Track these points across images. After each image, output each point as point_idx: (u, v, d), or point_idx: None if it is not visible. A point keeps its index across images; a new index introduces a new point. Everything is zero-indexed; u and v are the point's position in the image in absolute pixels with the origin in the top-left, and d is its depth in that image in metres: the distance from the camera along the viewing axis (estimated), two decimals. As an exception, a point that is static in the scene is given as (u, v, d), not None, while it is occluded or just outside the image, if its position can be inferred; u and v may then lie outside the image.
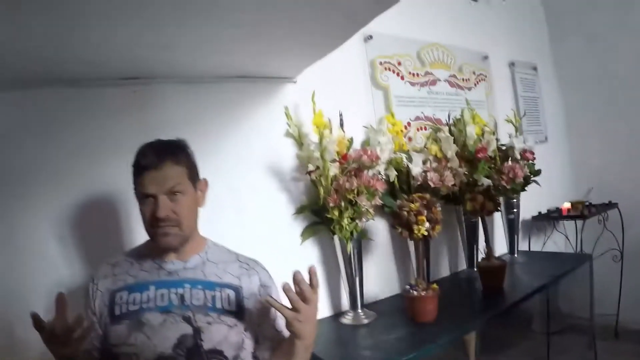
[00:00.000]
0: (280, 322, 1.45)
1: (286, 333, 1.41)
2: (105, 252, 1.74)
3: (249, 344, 1.42)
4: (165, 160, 1.34)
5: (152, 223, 1.34)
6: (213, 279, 1.41)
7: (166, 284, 1.37)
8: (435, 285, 2.09)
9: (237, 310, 1.40)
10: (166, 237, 1.34)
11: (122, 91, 1.86)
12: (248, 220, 2.02)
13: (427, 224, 2.04)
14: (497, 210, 2.63)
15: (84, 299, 1.42)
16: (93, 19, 1.21)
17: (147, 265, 1.42)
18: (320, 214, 2.18)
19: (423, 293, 2.04)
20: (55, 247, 1.72)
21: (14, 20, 1.14)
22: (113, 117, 1.83)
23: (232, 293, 1.41)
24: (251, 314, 1.42)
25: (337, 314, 2.30)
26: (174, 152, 1.38)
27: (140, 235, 1.80)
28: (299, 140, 2.22)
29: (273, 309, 1.41)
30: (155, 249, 1.43)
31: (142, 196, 1.34)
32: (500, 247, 3.25)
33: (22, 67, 1.53)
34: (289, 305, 1.27)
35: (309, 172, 2.08)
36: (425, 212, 2.05)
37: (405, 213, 2.04)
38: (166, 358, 1.26)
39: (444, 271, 2.96)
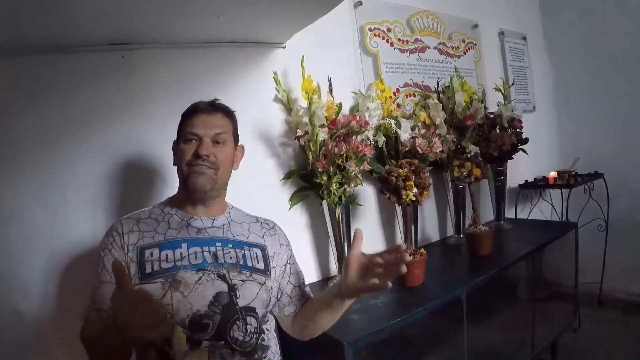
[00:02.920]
0: (297, 277, 1.60)
1: (302, 287, 1.60)
2: (95, 222, 1.79)
3: (273, 301, 1.48)
4: (219, 111, 1.47)
5: (192, 161, 1.38)
6: (240, 238, 1.46)
7: (198, 242, 1.37)
8: (422, 250, 2.11)
9: (265, 269, 1.44)
10: (202, 175, 1.37)
11: (111, 56, 1.84)
12: (236, 186, 2.01)
13: (415, 190, 2.04)
14: (484, 177, 2.65)
15: (100, 256, 1.33)
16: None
17: (174, 223, 1.41)
18: (308, 179, 2.19)
19: (411, 258, 2.06)
20: (42, 216, 1.71)
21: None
22: (102, 82, 1.82)
23: (259, 252, 1.46)
24: (275, 273, 1.48)
25: (326, 279, 2.34)
26: (226, 108, 1.51)
27: (131, 205, 1.81)
28: (288, 106, 2.22)
29: (289, 265, 1.57)
30: (181, 203, 1.46)
31: (188, 136, 1.41)
32: (488, 214, 3.28)
33: (10, 33, 1.51)
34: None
35: (298, 137, 2.08)
36: (413, 177, 2.05)
37: (393, 178, 2.04)
38: (202, 316, 1.25)
39: (433, 237, 3.00)
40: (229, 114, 1.50)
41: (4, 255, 1.65)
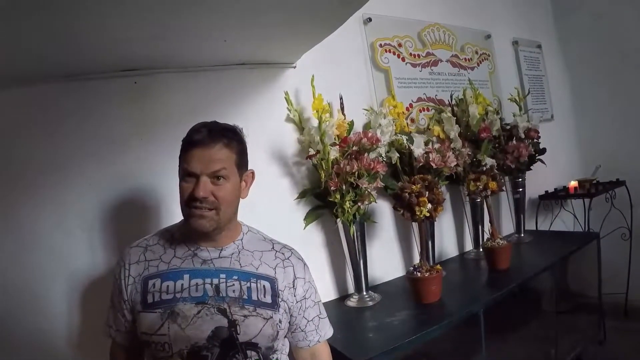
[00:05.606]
0: (314, 311, 1.49)
1: (316, 322, 1.49)
2: (112, 244, 1.83)
3: (281, 334, 1.39)
4: (217, 141, 1.30)
5: (189, 202, 1.29)
6: (249, 269, 1.37)
7: (201, 274, 1.33)
8: (438, 266, 2.09)
9: (272, 302, 1.37)
10: (201, 219, 1.30)
11: (123, 82, 1.89)
12: (251, 207, 2.01)
13: (429, 205, 2.02)
14: (501, 190, 2.61)
15: (112, 282, 1.40)
16: (86, 13, 1.22)
17: (180, 252, 1.37)
18: (322, 197, 2.19)
19: (427, 274, 2.04)
20: (61, 239, 1.75)
21: (15, 20, 1.17)
22: (114, 108, 1.87)
23: (267, 285, 1.38)
24: (285, 306, 1.40)
25: (343, 297, 2.33)
26: (227, 135, 1.34)
27: (146, 227, 1.84)
28: (300, 125, 2.23)
29: (305, 300, 1.46)
30: (189, 233, 1.38)
31: (185, 173, 1.31)
32: (508, 227, 3.25)
33: (25, 64, 1.56)
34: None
35: (310, 156, 2.08)
36: (426, 193, 2.03)
37: (406, 195, 2.03)
38: (200, 347, 1.24)
39: (452, 251, 2.97)
40: (230, 142, 1.33)
41: (25, 277, 1.70)
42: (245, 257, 1.40)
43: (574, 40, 4.17)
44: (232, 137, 1.35)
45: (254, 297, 1.34)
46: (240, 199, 1.43)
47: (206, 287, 1.31)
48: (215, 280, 1.32)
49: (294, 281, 1.44)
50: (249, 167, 1.46)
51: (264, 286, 1.37)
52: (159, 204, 1.91)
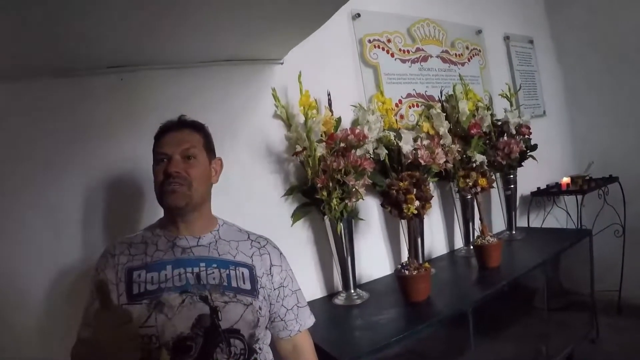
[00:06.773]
0: (292, 299, 1.54)
1: (295, 311, 1.54)
2: (100, 240, 1.81)
3: (262, 322, 1.42)
4: (186, 127, 1.47)
5: (163, 181, 1.38)
6: (227, 257, 1.43)
7: (182, 263, 1.37)
8: (427, 264, 2.07)
9: (252, 289, 1.41)
10: (174, 193, 1.36)
11: (110, 79, 1.88)
12: (238, 204, 2.01)
13: (417, 203, 2.00)
14: (491, 187, 2.59)
15: (92, 279, 1.40)
16: (71, 8, 1.22)
17: (161, 244, 1.42)
18: (309, 194, 2.17)
19: (415, 272, 2.02)
20: (49, 236, 1.74)
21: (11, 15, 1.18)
22: (102, 104, 1.87)
23: (246, 271, 1.43)
24: (264, 293, 1.44)
25: (330, 295, 2.31)
26: (194, 124, 1.51)
27: (132, 222, 1.86)
28: (288, 122, 2.21)
29: (283, 288, 1.52)
30: (167, 224, 1.46)
31: (158, 157, 1.42)
32: (499, 224, 3.23)
33: (10, 59, 1.55)
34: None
35: (296, 153, 2.07)
36: (414, 190, 2.01)
37: (394, 192, 2.01)
38: (185, 338, 1.26)
39: (442, 249, 2.95)
40: (197, 128, 1.50)
41: (11, 274, 1.68)
42: (223, 246, 1.46)
43: (567, 35, 4.15)
44: (199, 126, 1.52)
45: (234, 284, 1.38)
46: (213, 184, 1.54)
47: (188, 276, 1.35)
48: (196, 269, 1.37)
49: (270, 268, 1.49)
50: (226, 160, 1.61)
51: (242, 273, 1.42)
52: (145, 200, 1.90)
